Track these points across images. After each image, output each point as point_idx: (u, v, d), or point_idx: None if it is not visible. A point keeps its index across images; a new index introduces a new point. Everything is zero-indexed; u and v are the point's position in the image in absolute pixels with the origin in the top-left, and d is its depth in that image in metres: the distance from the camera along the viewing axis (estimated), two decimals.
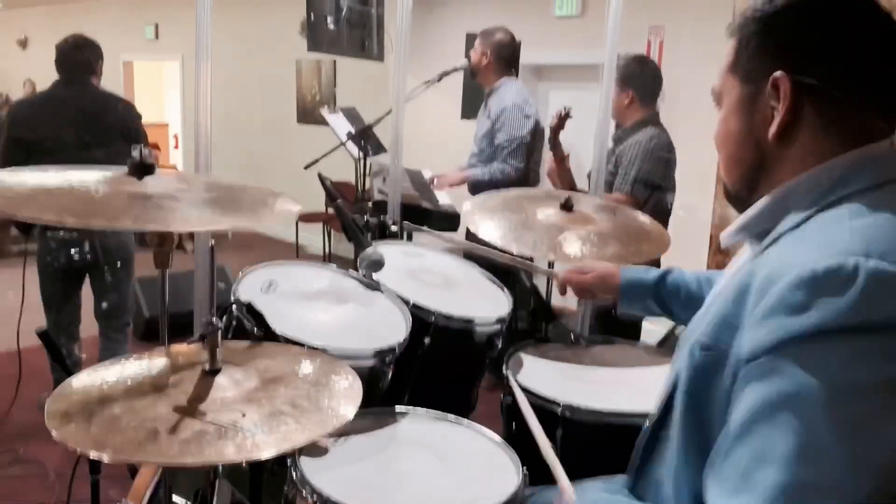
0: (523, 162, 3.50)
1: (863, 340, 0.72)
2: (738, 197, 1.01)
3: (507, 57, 3.54)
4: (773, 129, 0.92)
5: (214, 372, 1.14)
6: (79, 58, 3.19)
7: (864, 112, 0.90)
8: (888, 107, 0.91)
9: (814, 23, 0.91)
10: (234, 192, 1.39)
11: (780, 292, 0.77)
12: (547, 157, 3.27)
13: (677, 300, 1.54)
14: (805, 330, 0.74)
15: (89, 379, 1.13)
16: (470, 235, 2.17)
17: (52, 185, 1.19)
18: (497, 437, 1.39)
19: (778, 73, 0.90)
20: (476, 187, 3.46)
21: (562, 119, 2.94)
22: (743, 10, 1.00)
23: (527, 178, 3.55)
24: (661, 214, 2.78)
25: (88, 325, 3.35)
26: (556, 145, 2.99)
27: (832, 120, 0.90)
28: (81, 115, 3.11)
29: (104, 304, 3.27)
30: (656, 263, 2.85)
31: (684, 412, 0.91)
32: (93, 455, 0.93)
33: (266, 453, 0.98)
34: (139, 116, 3.32)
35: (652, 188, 2.86)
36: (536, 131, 3.55)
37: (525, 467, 1.27)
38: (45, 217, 1.11)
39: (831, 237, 0.80)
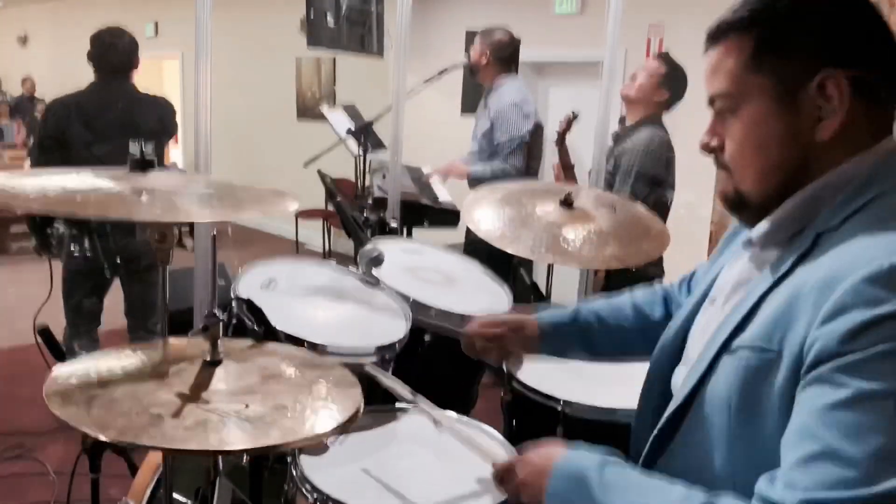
0: (523, 160, 3.53)
1: None
2: (766, 206, 0.94)
3: (506, 56, 3.54)
4: (827, 131, 0.87)
5: (215, 363, 1.12)
6: (119, 54, 3.06)
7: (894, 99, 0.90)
8: None
9: (848, 10, 0.88)
10: (234, 190, 1.38)
11: (854, 288, 0.76)
12: (546, 154, 3.27)
13: (600, 331, 1.37)
14: (886, 312, 0.74)
15: (90, 365, 1.12)
16: (470, 233, 2.16)
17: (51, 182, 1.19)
18: (497, 434, 1.39)
19: (827, 72, 0.86)
20: (477, 184, 3.46)
21: (569, 123, 2.93)
22: (741, 2, 0.93)
23: (527, 175, 3.57)
24: (661, 211, 2.78)
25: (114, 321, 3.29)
26: (563, 151, 2.97)
27: (873, 112, 0.89)
28: (123, 123, 2.97)
29: (133, 304, 3.21)
30: (658, 261, 2.85)
31: (736, 409, 0.89)
32: (91, 433, 0.91)
33: (269, 440, 0.97)
34: (173, 110, 3.21)
35: (651, 185, 2.86)
36: (536, 130, 3.57)
37: None
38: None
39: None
